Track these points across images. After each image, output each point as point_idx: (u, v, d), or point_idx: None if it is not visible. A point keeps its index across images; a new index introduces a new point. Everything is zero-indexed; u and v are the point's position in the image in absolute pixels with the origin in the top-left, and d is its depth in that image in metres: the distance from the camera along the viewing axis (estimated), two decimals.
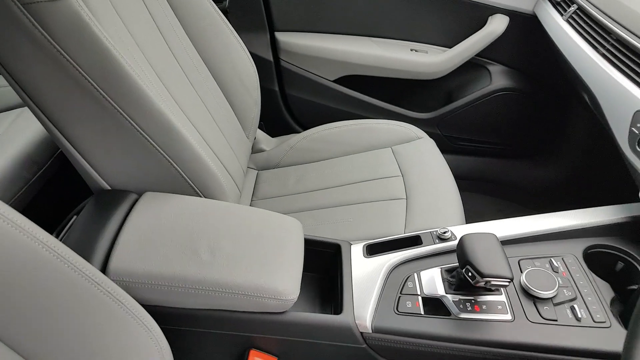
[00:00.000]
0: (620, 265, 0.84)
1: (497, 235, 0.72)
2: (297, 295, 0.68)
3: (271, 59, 1.47)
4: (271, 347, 0.71)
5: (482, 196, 1.62)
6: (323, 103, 1.52)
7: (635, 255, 0.81)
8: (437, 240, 0.82)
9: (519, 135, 1.55)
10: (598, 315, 0.71)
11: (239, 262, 0.68)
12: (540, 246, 0.82)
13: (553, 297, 0.73)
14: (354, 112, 1.52)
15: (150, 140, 0.72)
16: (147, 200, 0.74)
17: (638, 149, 0.79)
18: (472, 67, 1.48)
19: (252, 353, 0.69)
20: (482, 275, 0.66)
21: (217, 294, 0.66)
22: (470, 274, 0.68)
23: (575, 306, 0.72)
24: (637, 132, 0.81)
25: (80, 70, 0.64)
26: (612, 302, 0.74)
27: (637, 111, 0.81)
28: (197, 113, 0.90)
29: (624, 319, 0.72)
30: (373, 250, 0.82)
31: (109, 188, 0.77)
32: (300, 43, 1.46)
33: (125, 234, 0.68)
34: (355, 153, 1.21)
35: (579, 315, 0.71)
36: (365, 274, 0.77)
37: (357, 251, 0.82)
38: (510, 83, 1.45)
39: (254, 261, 0.69)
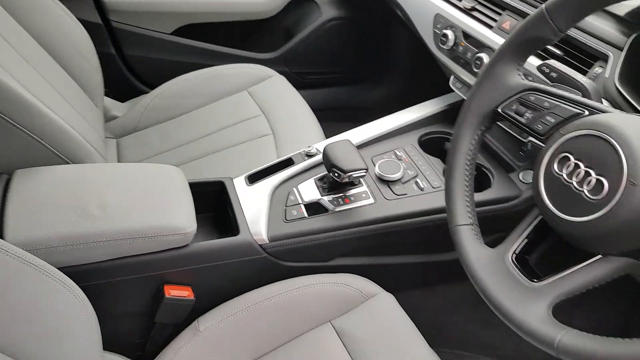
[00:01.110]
0: (447, 144, 1.06)
1: (352, 141, 0.86)
2: (195, 227, 0.75)
3: (100, 21, 1.40)
4: (183, 279, 0.78)
5: (337, 123, 1.77)
6: (166, 58, 1.49)
7: None
8: (306, 158, 0.95)
9: (356, 61, 1.70)
10: (435, 183, 0.91)
11: (131, 210, 0.72)
12: (386, 143, 1.00)
13: (401, 178, 0.92)
14: (200, 62, 1.50)
15: (8, 119, 0.70)
16: (20, 177, 0.73)
17: (441, 45, 0.98)
18: (302, 1, 1.57)
19: (167, 287, 0.75)
20: (344, 172, 0.80)
21: (118, 242, 0.70)
22: (336, 174, 0.82)
23: (418, 180, 0.91)
24: (438, 32, 0.99)
25: None
26: (444, 171, 0.95)
27: (436, 14, 1.00)
28: (40, 89, 0.87)
29: None
30: (254, 178, 0.91)
31: None
32: (126, 0, 1.40)
33: (10, 210, 0.68)
34: (213, 102, 1.23)
35: (422, 186, 0.90)
36: (252, 199, 0.87)
37: (240, 183, 0.91)
38: (338, 12, 1.58)
39: (144, 206, 0.73)
